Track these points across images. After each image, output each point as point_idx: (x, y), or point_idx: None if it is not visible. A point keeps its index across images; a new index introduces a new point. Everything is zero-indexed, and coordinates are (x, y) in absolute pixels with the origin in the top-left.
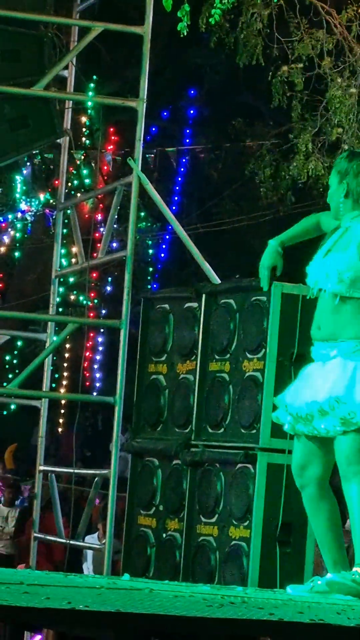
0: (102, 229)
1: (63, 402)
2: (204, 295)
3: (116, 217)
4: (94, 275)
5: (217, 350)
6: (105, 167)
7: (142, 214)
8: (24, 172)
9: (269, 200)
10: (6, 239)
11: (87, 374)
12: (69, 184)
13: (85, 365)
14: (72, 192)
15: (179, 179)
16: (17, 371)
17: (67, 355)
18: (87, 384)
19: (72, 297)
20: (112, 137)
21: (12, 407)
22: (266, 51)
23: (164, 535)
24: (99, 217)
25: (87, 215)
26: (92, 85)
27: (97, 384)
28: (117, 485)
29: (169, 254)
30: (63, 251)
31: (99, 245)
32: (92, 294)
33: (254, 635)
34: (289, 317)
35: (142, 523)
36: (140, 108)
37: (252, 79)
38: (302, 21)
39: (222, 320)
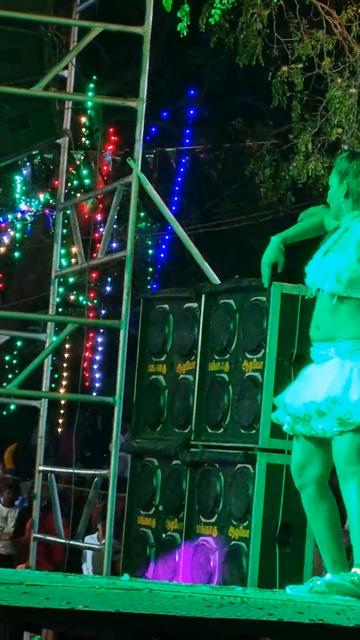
0: (101, 229)
1: (63, 402)
2: (203, 296)
3: (116, 217)
4: (94, 275)
5: (217, 350)
6: (105, 168)
7: (142, 214)
8: (24, 172)
9: (268, 201)
10: (6, 239)
11: (87, 374)
12: (69, 184)
13: (85, 365)
14: (72, 193)
15: (179, 179)
16: (16, 371)
17: (66, 355)
18: (87, 384)
19: (72, 297)
20: (112, 138)
21: (12, 407)
22: (266, 51)
23: (164, 535)
24: (99, 217)
25: (86, 216)
26: (91, 85)
27: (97, 384)
28: (117, 486)
29: (168, 254)
30: (63, 251)
31: (98, 245)
32: (92, 294)
33: (254, 636)
34: (288, 317)
35: (142, 523)
36: (140, 108)
37: (252, 79)
38: (302, 21)
39: (221, 320)
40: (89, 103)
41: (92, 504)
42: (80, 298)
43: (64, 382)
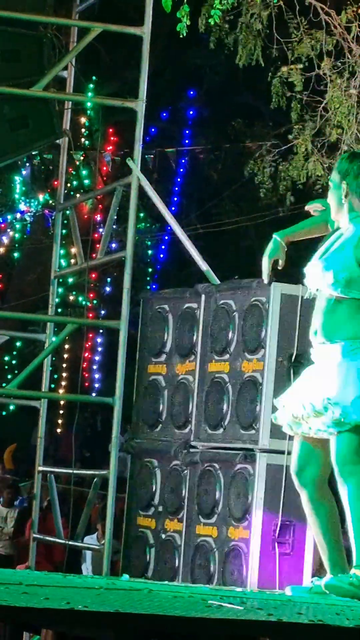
0: (101, 230)
1: (62, 402)
2: (203, 296)
3: (115, 217)
4: (93, 275)
5: (217, 350)
6: (105, 168)
7: (142, 214)
8: (23, 172)
9: (268, 201)
10: (5, 240)
11: (86, 375)
12: (68, 185)
13: (85, 365)
14: (72, 193)
15: (179, 179)
16: (16, 372)
17: (66, 355)
18: (86, 384)
19: (72, 297)
20: (112, 138)
21: (12, 407)
22: (266, 52)
23: (163, 536)
24: (98, 217)
25: (86, 216)
26: (91, 85)
27: (96, 385)
28: (116, 486)
29: (168, 254)
30: (62, 252)
31: (98, 245)
32: (91, 295)
33: (254, 636)
34: (288, 317)
35: (141, 524)
36: (139, 109)
37: (251, 80)
38: (302, 22)
39: (221, 320)
40: (89, 103)
41: (91, 505)
42: (80, 298)
43: (63, 383)
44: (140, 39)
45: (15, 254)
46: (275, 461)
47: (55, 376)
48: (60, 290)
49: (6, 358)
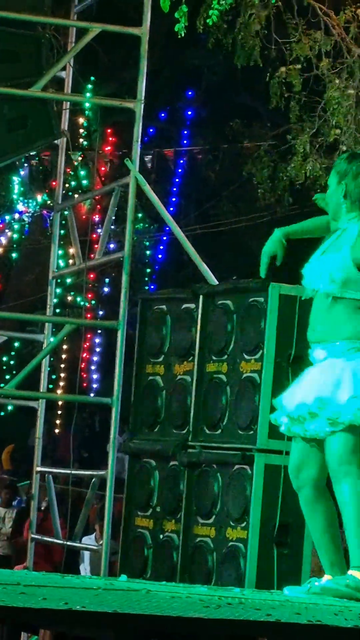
0: (99, 230)
1: (60, 403)
2: (201, 296)
3: (113, 218)
4: (92, 276)
5: (215, 351)
6: (103, 168)
7: (140, 215)
8: (22, 173)
9: (266, 202)
10: (3, 240)
11: (85, 375)
12: (67, 185)
13: (83, 366)
14: (70, 193)
15: (177, 180)
16: (14, 372)
17: (64, 356)
18: (85, 385)
19: (70, 298)
20: (110, 138)
21: (10, 408)
22: (264, 52)
23: (161, 536)
24: (97, 218)
25: (84, 217)
26: (89, 86)
27: (95, 385)
28: (114, 487)
29: (166, 255)
30: (60, 252)
31: (96, 246)
32: (90, 295)
33: (252, 636)
34: (286, 318)
35: (139, 524)
36: (137, 109)
37: (249, 80)
38: (300, 22)
39: (219, 321)
40: (87, 104)
41: (89, 505)
42: (78, 299)
43: (61, 383)
44: (138, 40)
45: (14, 255)
46: (274, 462)
47: (54, 376)
48: (58, 290)
49: (4, 358)
